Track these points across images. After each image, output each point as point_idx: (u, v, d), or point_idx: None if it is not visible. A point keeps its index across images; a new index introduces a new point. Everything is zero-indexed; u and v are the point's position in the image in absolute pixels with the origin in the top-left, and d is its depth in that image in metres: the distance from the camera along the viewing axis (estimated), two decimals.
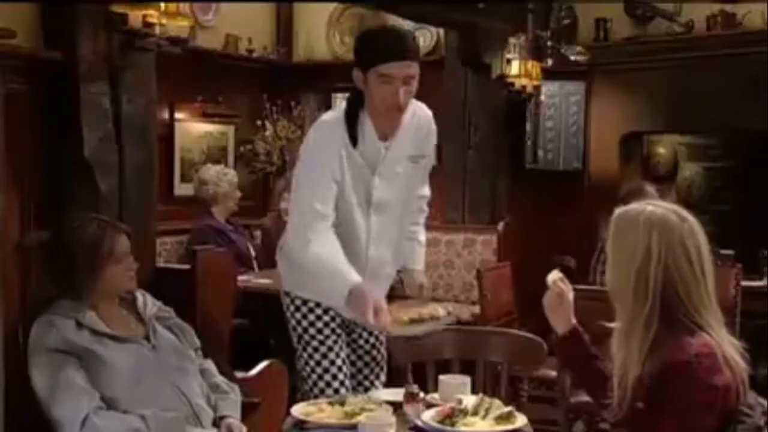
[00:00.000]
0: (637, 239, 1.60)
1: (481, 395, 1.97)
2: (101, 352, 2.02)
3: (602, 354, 1.82)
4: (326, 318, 2.34)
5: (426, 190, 2.57)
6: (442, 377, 2.12)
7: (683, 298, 1.58)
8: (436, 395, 2.08)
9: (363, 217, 2.29)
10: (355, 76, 2.24)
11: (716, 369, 1.53)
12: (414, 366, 2.36)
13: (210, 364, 2.32)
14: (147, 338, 2.16)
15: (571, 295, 1.86)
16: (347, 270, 2.13)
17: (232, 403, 2.24)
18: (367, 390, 2.38)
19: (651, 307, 1.58)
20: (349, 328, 2.42)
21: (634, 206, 1.67)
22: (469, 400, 1.94)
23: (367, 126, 2.25)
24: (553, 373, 3.16)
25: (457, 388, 2.04)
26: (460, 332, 2.53)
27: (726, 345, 1.58)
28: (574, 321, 1.86)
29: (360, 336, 2.45)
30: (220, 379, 2.29)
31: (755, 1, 4.72)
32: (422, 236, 2.60)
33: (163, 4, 2.85)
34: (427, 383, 2.25)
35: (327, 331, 2.34)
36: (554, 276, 1.87)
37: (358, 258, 2.28)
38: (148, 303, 2.24)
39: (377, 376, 2.47)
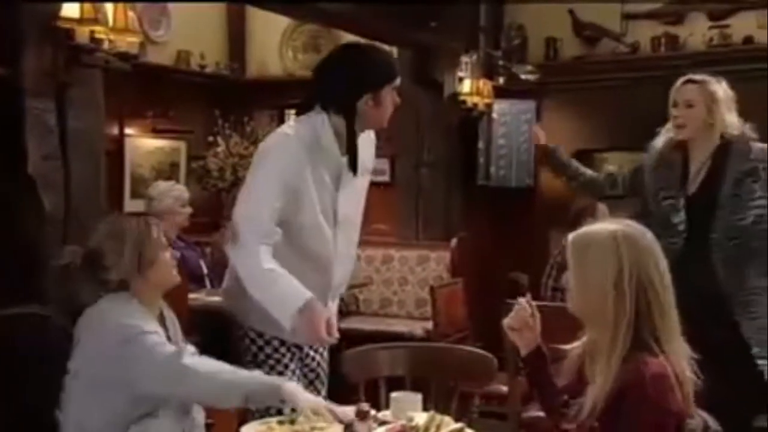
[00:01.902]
0: (606, 257, 1.62)
1: (432, 412, 1.97)
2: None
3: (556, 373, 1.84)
4: (282, 350, 2.32)
5: None
6: (393, 394, 2.11)
7: (651, 310, 1.61)
8: (387, 413, 2.07)
9: (331, 236, 2.28)
10: (363, 101, 2.19)
11: (669, 390, 1.55)
12: (366, 383, 2.35)
13: None
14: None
15: (538, 319, 1.88)
16: (300, 285, 2.12)
17: None
18: None
19: (628, 322, 1.60)
20: (300, 353, 2.40)
21: (593, 227, 1.69)
22: (420, 418, 1.94)
23: (333, 145, 2.24)
24: (505, 389, 3.19)
25: (408, 406, 2.03)
26: (413, 349, 2.53)
27: (679, 360, 1.60)
28: (538, 339, 1.88)
29: (307, 355, 2.43)
30: None
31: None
32: None
33: (111, 20, 2.82)
34: (380, 401, 2.24)
35: (283, 364, 2.33)
36: (523, 301, 1.89)
37: (325, 276, 2.27)
38: (176, 325, 2.22)
39: (319, 392, 2.46)
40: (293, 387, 1.95)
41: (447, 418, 1.93)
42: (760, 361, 2.58)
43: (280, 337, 2.30)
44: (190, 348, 2.17)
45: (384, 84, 2.22)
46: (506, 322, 1.89)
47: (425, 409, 2.06)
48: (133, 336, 1.96)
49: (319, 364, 2.46)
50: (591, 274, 1.65)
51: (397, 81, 2.27)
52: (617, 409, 1.57)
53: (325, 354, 2.47)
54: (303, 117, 2.27)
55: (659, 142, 2.87)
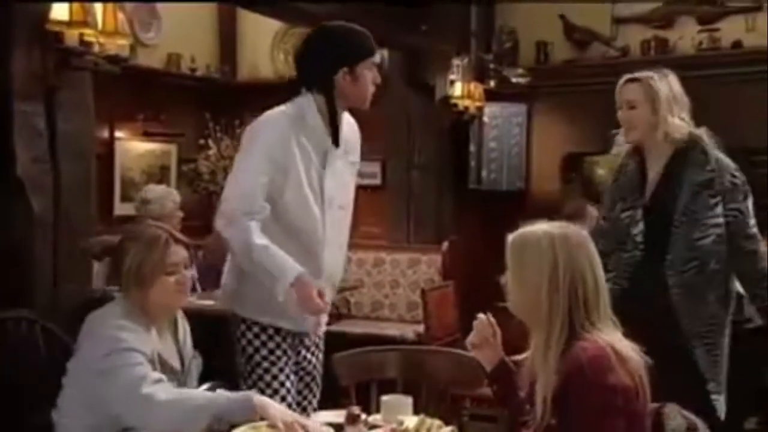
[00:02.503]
0: (541, 255, 1.67)
1: (422, 416, 1.97)
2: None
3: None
4: (277, 339, 2.35)
5: None
6: (384, 398, 2.11)
7: (583, 306, 1.64)
8: (378, 416, 2.07)
9: (319, 216, 2.32)
10: (339, 76, 2.28)
11: (609, 369, 1.56)
12: (357, 386, 2.35)
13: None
14: (182, 369, 2.12)
15: (499, 335, 1.92)
16: (292, 261, 2.20)
17: None
18: (305, 409, 2.38)
19: (562, 320, 1.63)
20: (296, 349, 2.41)
21: (531, 228, 1.73)
22: (411, 421, 1.94)
23: (318, 122, 2.31)
24: None
25: (398, 409, 2.03)
26: (404, 352, 2.53)
27: (620, 343, 1.62)
28: (501, 354, 1.91)
29: (304, 358, 2.45)
30: None
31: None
32: None
33: (100, 23, 2.80)
34: (371, 404, 2.24)
35: (279, 353, 2.35)
36: (483, 317, 1.93)
37: (314, 260, 2.31)
38: (188, 338, 2.20)
39: (315, 395, 2.49)
40: (263, 399, 1.92)
41: (437, 422, 1.93)
42: (713, 396, 2.41)
43: (277, 325, 2.34)
44: (196, 361, 2.17)
45: (359, 59, 2.30)
46: (468, 339, 1.93)
47: (416, 412, 2.06)
48: (114, 350, 1.92)
49: (315, 366, 2.49)
50: (527, 273, 1.69)
51: (375, 59, 2.35)
52: (565, 400, 1.58)
53: (320, 356, 2.49)
54: (291, 100, 2.35)
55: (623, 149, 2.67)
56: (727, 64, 4.72)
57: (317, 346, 2.51)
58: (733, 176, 2.44)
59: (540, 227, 1.72)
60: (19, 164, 2.60)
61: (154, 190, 4.50)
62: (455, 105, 5.08)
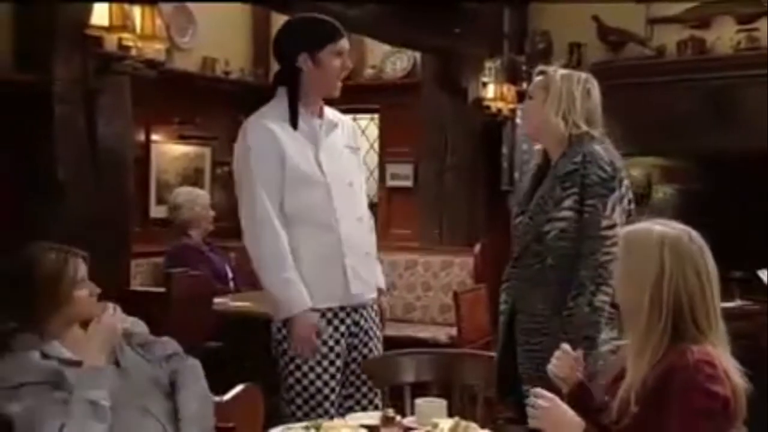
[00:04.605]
0: (648, 258, 1.63)
1: (457, 419, 1.96)
2: (72, 381, 1.98)
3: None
4: (325, 349, 2.39)
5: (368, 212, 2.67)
6: (418, 401, 2.11)
7: (691, 315, 1.61)
8: (412, 419, 2.07)
9: (323, 185, 2.39)
10: (301, 60, 2.37)
11: (717, 378, 1.55)
12: (391, 389, 2.35)
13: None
14: (117, 362, 2.11)
15: (581, 364, 1.84)
16: (305, 292, 2.32)
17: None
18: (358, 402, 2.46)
19: (664, 325, 1.60)
20: (349, 355, 2.46)
21: (643, 225, 1.69)
22: (446, 424, 1.93)
23: (300, 106, 2.40)
24: None
25: (433, 412, 2.03)
26: (437, 355, 2.53)
27: (728, 361, 1.60)
28: (579, 376, 1.83)
29: (359, 364, 2.48)
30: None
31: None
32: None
33: (139, 28, 2.85)
34: (404, 406, 2.24)
35: (322, 359, 2.39)
36: (567, 347, 1.85)
37: (331, 232, 2.38)
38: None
39: (371, 402, 2.50)
40: None
41: (472, 425, 1.93)
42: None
43: (325, 306, 2.40)
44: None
45: (321, 45, 2.37)
46: (551, 369, 1.83)
47: (450, 415, 2.05)
48: None
49: (369, 323, 2.51)
50: (632, 272, 1.66)
51: (340, 44, 2.39)
52: (663, 394, 1.56)
53: (374, 315, 2.55)
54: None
55: None
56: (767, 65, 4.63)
57: (372, 318, 2.53)
58: (602, 169, 2.21)
59: (656, 225, 1.66)
60: (60, 168, 2.66)
61: (182, 194, 4.57)
62: (488, 107, 5.06)
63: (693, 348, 1.57)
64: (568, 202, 2.20)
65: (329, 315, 2.41)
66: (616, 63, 5.18)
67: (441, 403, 2.08)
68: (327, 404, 2.37)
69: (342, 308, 2.42)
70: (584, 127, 2.29)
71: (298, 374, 2.38)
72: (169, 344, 2.19)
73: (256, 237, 2.36)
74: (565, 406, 1.67)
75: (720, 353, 1.60)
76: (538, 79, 2.39)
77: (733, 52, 4.84)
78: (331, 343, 2.40)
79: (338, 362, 2.41)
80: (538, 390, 1.69)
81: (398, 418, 1.95)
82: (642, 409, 1.59)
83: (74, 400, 1.86)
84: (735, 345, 1.65)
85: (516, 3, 5.37)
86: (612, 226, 2.16)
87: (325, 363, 2.38)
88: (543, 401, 1.65)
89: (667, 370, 1.57)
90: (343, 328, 2.43)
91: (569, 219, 2.20)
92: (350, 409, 2.45)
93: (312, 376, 2.37)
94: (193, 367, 2.11)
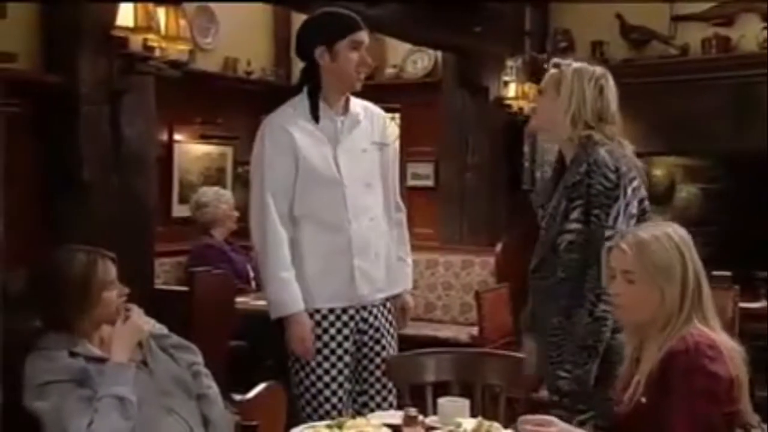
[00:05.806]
0: (670, 258, 1.68)
1: (479, 418, 1.96)
2: (98, 378, 2.00)
3: None
4: (332, 345, 2.40)
5: (401, 204, 2.64)
6: (440, 400, 2.11)
7: (701, 301, 1.68)
8: (435, 418, 2.07)
9: (338, 187, 2.38)
10: (318, 54, 2.37)
11: (717, 359, 1.57)
12: (413, 388, 2.36)
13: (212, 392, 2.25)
14: (144, 362, 2.14)
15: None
16: (299, 294, 2.35)
17: None
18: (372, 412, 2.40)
19: (686, 315, 1.65)
20: (359, 352, 2.47)
21: (647, 230, 1.74)
22: (468, 423, 1.93)
23: (321, 102, 2.39)
24: None
25: (455, 411, 2.03)
26: (458, 354, 2.53)
27: (728, 343, 1.63)
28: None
29: (371, 361, 2.49)
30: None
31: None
32: (407, 257, 2.64)
33: (163, 28, 2.88)
34: (426, 406, 2.25)
35: (326, 351, 2.40)
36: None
37: (341, 233, 2.38)
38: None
39: (384, 399, 2.50)
40: None
41: (495, 424, 1.92)
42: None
43: (329, 306, 2.41)
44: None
45: (336, 37, 2.36)
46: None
47: (472, 415, 2.05)
48: None
49: (384, 373, 2.48)
50: (656, 275, 1.68)
51: (356, 36, 2.37)
52: (665, 379, 1.58)
53: (386, 313, 2.53)
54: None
55: None
56: None
57: (382, 316, 2.52)
58: (606, 178, 2.14)
59: (659, 228, 1.74)
60: (86, 168, 2.69)
61: (207, 194, 4.60)
62: (509, 106, 5.05)
63: (692, 331, 1.61)
64: (575, 214, 2.18)
65: (334, 315, 2.41)
66: (639, 61, 5.14)
67: (464, 403, 2.08)
68: (335, 399, 2.39)
69: (348, 308, 2.43)
70: (593, 128, 2.22)
71: (302, 373, 2.41)
72: (198, 355, 2.24)
73: (258, 236, 2.39)
74: (563, 424, 1.70)
75: (719, 334, 1.64)
76: (550, 73, 2.34)
77: (759, 49, 4.78)
78: (335, 342, 2.40)
79: (346, 359, 2.42)
80: (528, 417, 1.71)
81: (420, 417, 1.95)
82: (646, 396, 1.61)
83: (100, 395, 1.89)
84: (760, 345, 1.66)
85: (537, 1, 5.34)
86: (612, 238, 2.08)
87: (333, 359, 2.40)
88: (530, 427, 1.68)
89: (668, 355, 1.60)
90: (348, 329, 2.43)
91: (577, 231, 2.18)
92: (364, 406, 2.47)
93: (319, 372, 2.39)
94: (215, 395, 2.19)
